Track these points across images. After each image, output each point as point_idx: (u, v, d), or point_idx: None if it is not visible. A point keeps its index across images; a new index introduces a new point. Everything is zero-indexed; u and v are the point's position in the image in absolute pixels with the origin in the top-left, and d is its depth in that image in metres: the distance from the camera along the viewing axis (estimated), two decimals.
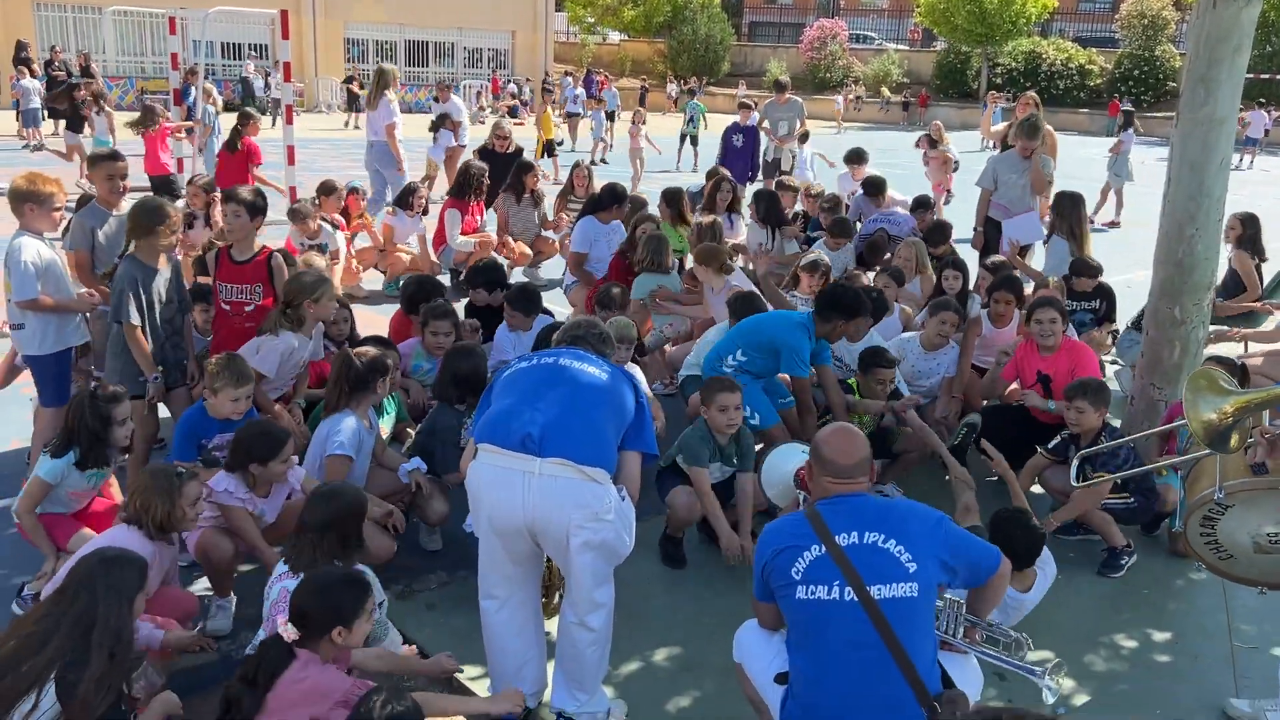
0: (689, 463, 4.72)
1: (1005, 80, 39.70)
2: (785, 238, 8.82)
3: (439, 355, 5.49)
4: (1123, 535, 4.97)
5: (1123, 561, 4.92)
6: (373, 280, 9.74)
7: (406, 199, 9.77)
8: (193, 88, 15.02)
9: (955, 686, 3.01)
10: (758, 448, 5.48)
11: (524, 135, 16.27)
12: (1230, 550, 3.89)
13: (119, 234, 5.38)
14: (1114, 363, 7.58)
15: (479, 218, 9.96)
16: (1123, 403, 6.22)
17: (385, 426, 5.11)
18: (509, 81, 38.90)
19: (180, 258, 5.35)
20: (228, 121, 14.81)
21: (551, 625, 3.88)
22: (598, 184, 9.37)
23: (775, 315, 5.78)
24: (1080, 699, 3.96)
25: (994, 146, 13.35)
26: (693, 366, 5.92)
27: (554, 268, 10.25)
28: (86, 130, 14.99)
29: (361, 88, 30.88)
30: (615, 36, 52.33)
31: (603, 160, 21.18)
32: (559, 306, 8.53)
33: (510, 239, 9.95)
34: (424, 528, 4.88)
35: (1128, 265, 10.85)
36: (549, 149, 19.28)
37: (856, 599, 2.88)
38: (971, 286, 7.54)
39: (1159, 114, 35.78)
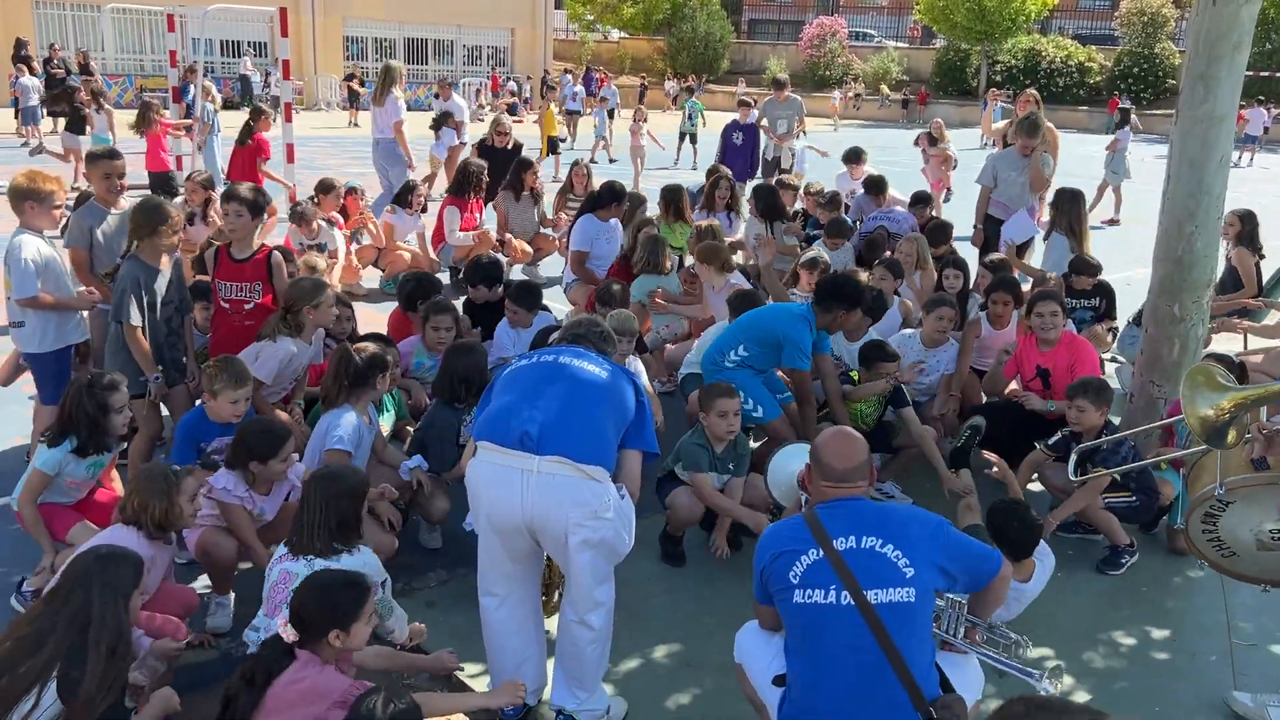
0: (688, 469, 4.73)
1: (1005, 78, 39.68)
2: (784, 233, 8.83)
3: (440, 351, 5.48)
4: (1127, 535, 4.97)
5: (1123, 560, 4.93)
6: (372, 278, 9.74)
7: (405, 197, 9.78)
8: (191, 85, 15.02)
9: (954, 691, 3.00)
10: (757, 445, 5.50)
11: (523, 133, 16.24)
12: (1233, 548, 3.89)
13: (117, 232, 5.38)
14: (1113, 360, 7.59)
15: (478, 215, 9.96)
16: (1123, 400, 6.22)
17: (385, 424, 5.11)
18: (508, 79, 38.89)
19: (180, 256, 5.34)
20: (227, 119, 14.85)
21: (551, 623, 3.88)
22: (597, 182, 9.37)
23: (776, 308, 5.79)
24: (1079, 696, 3.97)
25: (994, 144, 13.34)
26: (693, 365, 5.93)
27: (553, 266, 10.25)
28: (87, 130, 14.99)
29: (362, 85, 30.89)
30: (615, 34, 52.30)
31: (611, 160, 21.18)
32: (559, 304, 8.53)
33: (510, 237, 9.95)
34: (424, 525, 4.88)
35: (1127, 263, 10.85)
36: (552, 146, 19.28)
37: (853, 603, 2.87)
38: (971, 285, 7.56)
39: (1158, 111, 35.79)
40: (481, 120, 20.91)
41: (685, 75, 43.43)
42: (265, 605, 3.48)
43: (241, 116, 11.45)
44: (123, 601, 2.97)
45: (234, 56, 34.50)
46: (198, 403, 4.84)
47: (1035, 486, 5.50)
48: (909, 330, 6.49)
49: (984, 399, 6.23)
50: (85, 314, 5.27)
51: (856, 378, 5.70)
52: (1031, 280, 7.75)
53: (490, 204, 10.55)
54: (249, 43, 34.93)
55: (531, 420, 3.33)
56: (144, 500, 3.58)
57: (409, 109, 12.26)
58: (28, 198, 4.94)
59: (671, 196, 8.98)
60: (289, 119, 12.33)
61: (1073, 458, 4.78)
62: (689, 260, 8.03)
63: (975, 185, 8.98)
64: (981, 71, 42.01)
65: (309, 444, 4.65)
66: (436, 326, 5.75)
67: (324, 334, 5.56)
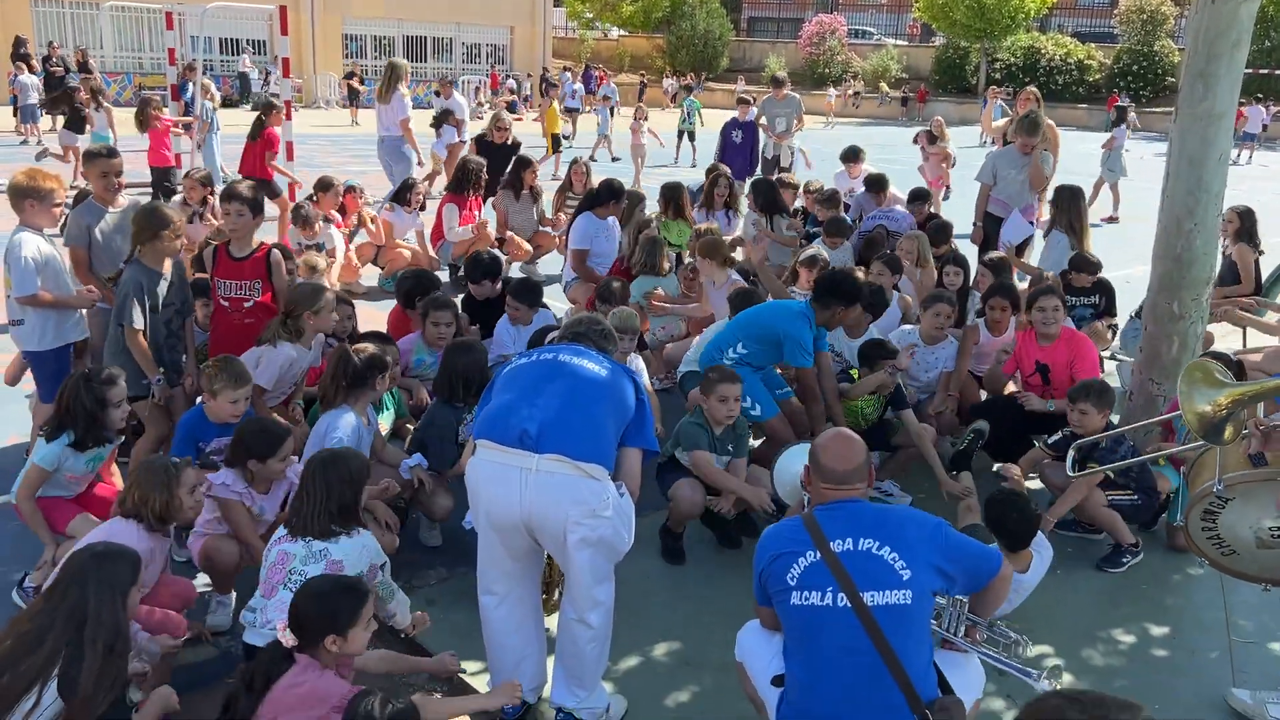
0: (688, 448, 4.72)
1: (1004, 75, 39.66)
2: (786, 228, 8.84)
3: (440, 347, 5.48)
4: (1131, 535, 4.97)
5: (1124, 560, 4.92)
6: (371, 276, 9.74)
7: (404, 195, 9.78)
8: (190, 83, 15.01)
9: (953, 692, 3.00)
10: (757, 442, 5.51)
11: (523, 131, 16.25)
12: (1233, 545, 3.89)
13: (115, 231, 5.39)
14: (1113, 358, 7.59)
15: (477, 213, 9.96)
16: (1124, 398, 6.23)
17: (385, 423, 5.11)
18: (508, 77, 38.87)
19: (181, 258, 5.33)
20: (226, 118, 14.86)
21: (551, 621, 3.89)
22: (597, 180, 9.37)
23: (774, 306, 5.79)
24: None
25: (994, 142, 13.33)
26: (691, 363, 5.93)
27: (552, 264, 10.25)
28: (86, 129, 14.99)
29: (362, 83, 30.87)
30: (614, 32, 52.27)
31: (613, 158, 21.18)
32: (558, 302, 8.53)
33: (511, 234, 9.95)
34: (424, 523, 4.89)
35: (1126, 260, 10.85)
36: (555, 144, 19.29)
37: (849, 605, 2.88)
38: (971, 283, 7.57)
39: (1158, 109, 35.80)
40: (481, 118, 20.91)
41: (684, 73, 43.41)
42: (262, 586, 3.48)
43: (240, 114, 11.46)
44: (120, 599, 2.97)
45: (233, 54, 34.51)
46: (197, 401, 4.85)
47: (1035, 485, 5.50)
48: (908, 326, 6.50)
49: (983, 397, 6.23)
50: (84, 312, 5.26)
51: (856, 375, 5.71)
52: (1030, 279, 7.76)
53: (489, 202, 10.55)
54: (248, 40, 34.92)
55: (530, 419, 3.32)
56: (144, 493, 3.58)
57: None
58: (28, 196, 4.95)
59: (671, 194, 8.98)
60: (289, 117, 12.32)
61: (1071, 454, 4.79)
62: (688, 259, 8.04)
63: (975, 183, 8.98)
64: (981, 69, 42.00)
65: (308, 444, 4.64)
66: (436, 322, 5.75)
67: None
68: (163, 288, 4.97)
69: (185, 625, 3.57)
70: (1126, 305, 7.55)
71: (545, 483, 3.27)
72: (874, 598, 2.88)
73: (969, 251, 8.30)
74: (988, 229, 8.69)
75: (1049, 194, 8.41)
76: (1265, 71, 35.44)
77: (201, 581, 4.23)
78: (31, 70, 22.18)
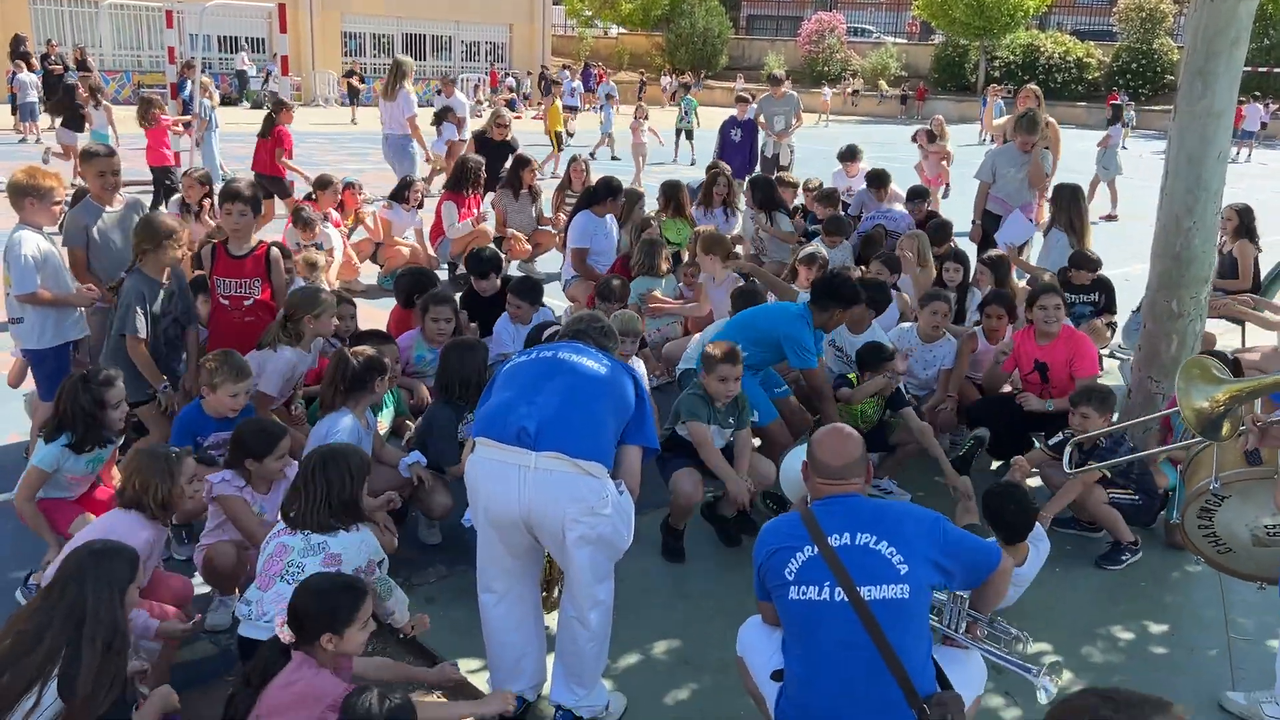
0: (688, 418, 4.72)
1: (1003, 74, 39.67)
2: (785, 225, 8.84)
3: (440, 343, 5.47)
4: (1131, 533, 4.97)
5: (1124, 557, 4.92)
6: (370, 275, 9.74)
7: (402, 193, 9.77)
8: (189, 81, 15.00)
9: (952, 687, 3.00)
10: (756, 441, 5.50)
11: (521, 129, 16.24)
12: (1229, 543, 3.90)
13: (112, 230, 5.38)
14: (1112, 356, 7.59)
15: (476, 211, 9.96)
16: (1125, 396, 6.23)
17: (384, 421, 5.11)
18: (507, 75, 38.85)
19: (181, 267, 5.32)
20: (224, 116, 14.84)
21: (551, 619, 3.89)
22: (595, 179, 9.37)
23: (772, 308, 5.79)
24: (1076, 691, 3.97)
25: (994, 140, 13.32)
26: (690, 360, 5.93)
27: (552, 262, 10.25)
28: (85, 127, 14.98)
29: (362, 81, 30.83)
30: (613, 30, 52.25)
31: (613, 157, 21.18)
32: (558, 301, 8.53)
33: (512, 231, 9.94)
34: (423, 521, 4.89)
35: (1125, 258, 10.85)
36: (559, 142, 19.29)
37: (847, 600, 2.88)
38: (971, 279, 7.57)
39: (1157, 107, 35.79)
40: (480, 116, 20.90)
41: (682, 71, 43.38)
42: (259, 579, 3.47)
43: (239, 112, 11.47)
44: (119, 595, 2.96)
45: (231, 52, 34.47)
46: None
47: (1035, 482, 5.51)
48: (906, 324, 6.51)
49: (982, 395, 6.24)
50: (84, 310, 5.26)
51: (854, 379, 5.69)
52: (1029, 277, 7.76)
53: (489, 199, 10.55)
54: (246, 39, 34.89)
55: (529, 416, 3.32)
56: (145, 480, 3.58)
57: None
58: (27, 194, 4.94)
59: (671, 192, 8.99)
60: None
61: (1068, 450, 4.79)
62: (687, 257, 8.04)
63: (974, 181, 8.98)
64: (980, 67, 41.99)
65: (307, 448, 4.62)
66: (436, 318, 5.75)
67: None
68: (162, 297, 4.97)
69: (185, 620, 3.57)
70: (1126, 304, 7.56)
71: (543, 480, 3.27)
72: (871, 592, 2.88)
73: (967, 249, 8.29)
74: (986, 227, 8.69)
75: (1049, 193, 8.41)
76: (1264, 70, 35.43)
77: (200, 580, 4.23)
78: (31, 69, 22.15)
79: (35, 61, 24.53)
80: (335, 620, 2.95)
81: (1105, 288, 7.27)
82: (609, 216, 8.37)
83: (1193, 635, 4.41)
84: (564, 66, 38.18)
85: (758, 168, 12.74)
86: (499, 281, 6.81)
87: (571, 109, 24.90)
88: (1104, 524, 4.99)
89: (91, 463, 4.27)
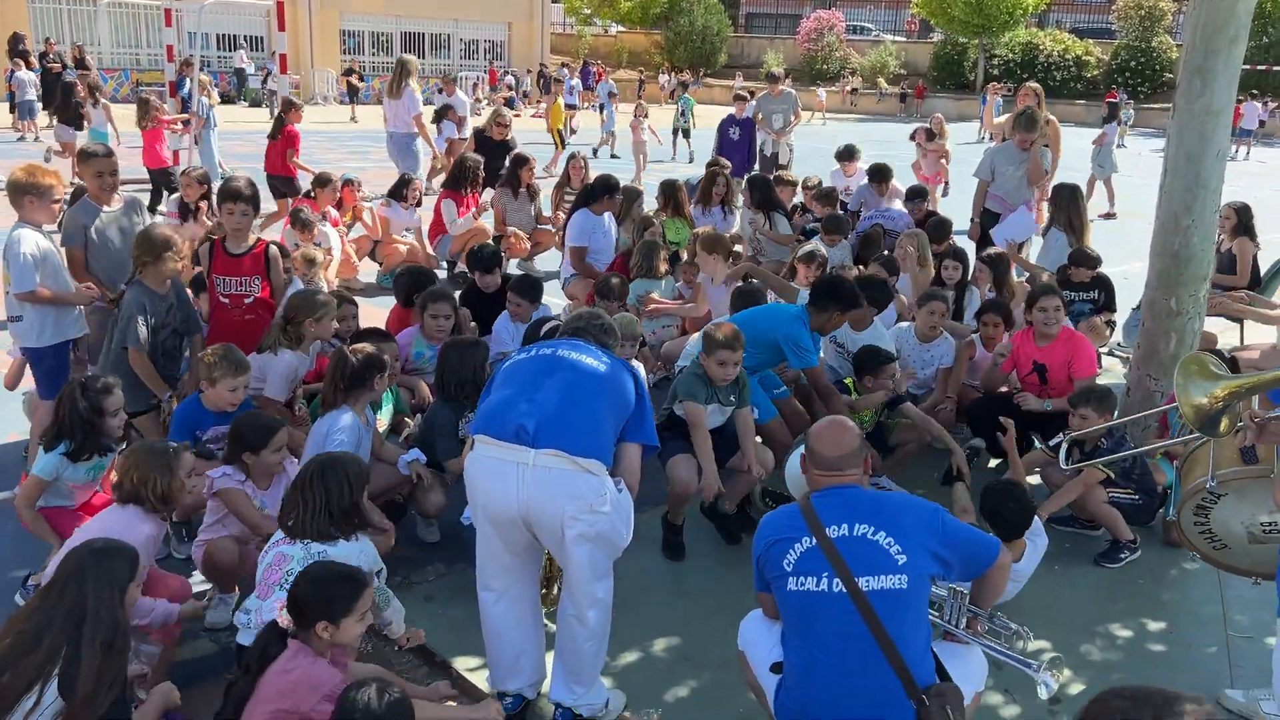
0: (685, 398, 4.71)
1: (1002, 72, 39.65)
2: (784, 226, 8.84)
3: (439, 340, 5.47)
4: (1130, 532, 4.97)
5: (1122, 556, 4.92)
6: (369, 273, 9.73)
7: (400, 190, 9.77)
8: (188, 80, 14.99)
9: (951, 680, 3.00)
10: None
11: (520, 126, 16.23)
12: (1225, 540, 3.91)
13: (111, 230, 5.39)
14: (1111, 354, 7.60)
15: (474, 209, 9.96)
16: (1124, 395, 6.23)
17: (383, 419, 5.11)
18: (506, 73, 38.83)
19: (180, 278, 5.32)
20: (224, 114, 14.84)
21: (551, 617, 3.89)
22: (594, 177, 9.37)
23: (770, 310, 5.78)
24: (1076, 688, 3.98)
25: (994, 138, 13.32)
26: (689, 358, 5.92)
27: (551, 261, 10.25)
28: (84, 125, 14.98)
29: (361, 79, 30.80)
30: (612, 28, 52.22)
31: (613, 156, 21.18)
32: (557, 299, 8.53)
33: (512, 229, 9.94)
34: (421, 520, 4.89)
35: (1124, 257, 10.85)
36: (561, 139, 19.28)
37: (845, 591, 2.88)
38: (970, 277, 7.57)
39: (1156, 105, 35.81)
40: (479, 114, 20.91)
41: (680, 69, 43.37)
42: (258, 588, 3.47)
43: (237, 111, 11.48)
44: (119, 594, 2.96)
45: (230, 51, 34.44)
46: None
47: (1034, 480, 5.51)
48: (904, 324, 6.51)
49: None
50: (83, 309, 5.26)
51: (851, 384, 5.67)
52: (1028, 275, 7.77)
53: (486, 191, 10.54)
54: (245, 37, 34.87)
55: (528, 414, 3.32)
56: (144, 474, 3.58)
57: None
58: (27, 192, 4.94)
59: (670, 191, 8.99)
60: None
61: (1063, 447, 4.79)
62: (685, 256, 8.04)
63: (973, 179, 8.98)
64: (979, 65, 41.98)
65: (307, 447, 4.63)
66: (435, 315, 5.73)
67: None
68: (162, 308, 4.98)
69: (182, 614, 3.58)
70: (1125, 302, 7.56)
71: (542, 478, 3.26)
72: (869, 583, 2.88)
73: (966, 247, 8.29)
74: (985, 225, 8.70)
75: (1049, 192, 8.41)
76: (1262, 67, 35.43)
77: (198, 579, 4.23)
78: (29, 67, 22.13)
79: (34, 59, 24.49)
80: (332, 609, 2.95)
81: (1105, 285, 7.28)
82: (607, 214, 8.37)
83: (1190, 633, 4.41)
84: (563, 65, 38.15)
85: (756, 166, 12.74)
86: (500, 278, 6.81)
87: (571, 107, 24.89)
88: (1104, 523, 4.99)
89: (91, 471, 4.25)
